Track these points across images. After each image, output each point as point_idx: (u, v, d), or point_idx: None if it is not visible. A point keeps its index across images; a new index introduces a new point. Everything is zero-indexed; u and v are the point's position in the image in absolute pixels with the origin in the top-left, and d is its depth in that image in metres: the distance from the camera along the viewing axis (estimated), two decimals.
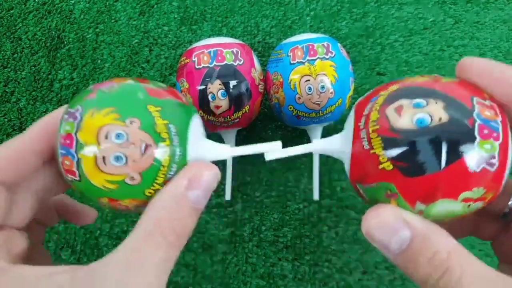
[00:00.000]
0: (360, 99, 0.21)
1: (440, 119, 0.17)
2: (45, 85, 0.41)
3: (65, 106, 0.21)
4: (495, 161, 0.17)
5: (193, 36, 0.42)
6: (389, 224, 0.17)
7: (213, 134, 0.38)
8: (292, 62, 0.32)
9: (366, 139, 0.19)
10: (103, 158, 0.18)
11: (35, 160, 0.21)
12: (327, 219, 0.35)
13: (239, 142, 0.38)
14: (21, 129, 0.40)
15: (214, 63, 0.32)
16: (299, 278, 0.33)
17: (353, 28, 0.41)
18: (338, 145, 0.22)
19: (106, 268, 0.17)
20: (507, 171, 0.18)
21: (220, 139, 0.37)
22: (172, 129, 0.19)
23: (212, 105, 0.32)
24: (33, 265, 0.19)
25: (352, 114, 0.21)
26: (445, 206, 0.17)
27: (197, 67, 0.32)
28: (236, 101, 0.32)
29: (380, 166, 0.18)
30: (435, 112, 0.17)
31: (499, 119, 0.18)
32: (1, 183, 0.20)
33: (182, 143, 0.20)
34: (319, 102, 0.32)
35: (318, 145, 0.23)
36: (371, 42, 0.40)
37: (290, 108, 0.33)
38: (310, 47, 0.32)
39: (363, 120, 0.19)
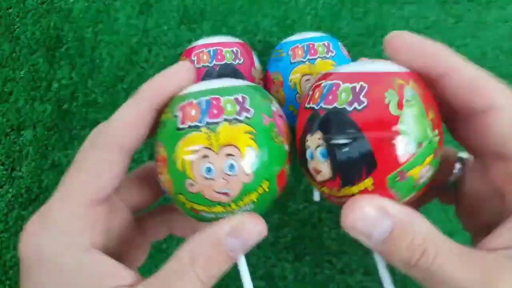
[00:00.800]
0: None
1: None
2: (43, 84, 0.41)
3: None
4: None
5: (193, 35, 0.41)
6: (371, 217, 0.18)
7: None
8: (292, 61, 0.32)
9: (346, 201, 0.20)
10: None
11: (146, 130, 0.21)
12: (327, 220, 0.35)
13: None
14: (19, 129, 0.39)
15: (214, 62, 0.32)
16: (299, 279, 0.33)
17: (354, 27, 0.40)
18: None
19: None
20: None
21: None
22: None
23: None
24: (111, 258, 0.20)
25: None
26: None
27: (196, 66, 0.32)
28: None
29: (370, 188, 0.19)
30: None
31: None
32: (121, 148, 0.20)
33: None
34: None
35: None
36: (372, 41, 0.40)
37: (291, 107, 0.33)
38: (311, 46, 0.32)
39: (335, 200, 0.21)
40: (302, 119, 0.21)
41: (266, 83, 0.35)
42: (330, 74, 0.21)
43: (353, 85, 0.19)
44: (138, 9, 0.43)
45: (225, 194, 0.20)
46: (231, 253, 0.20)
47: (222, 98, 0.20)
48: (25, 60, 0.42)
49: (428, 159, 0.19)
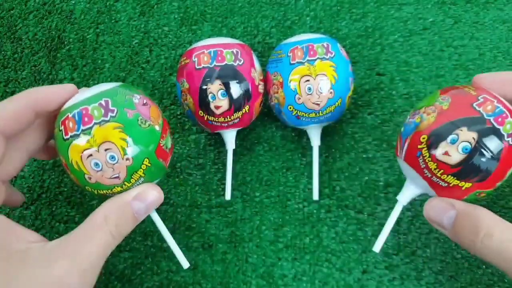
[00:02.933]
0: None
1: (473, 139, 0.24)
2: (45, 85, 0.41)
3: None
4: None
5: (193, 37, 0.42)
6: (439, 207, 0.25)
7: (214, 134, 0.38)
8: (292, 62, 0.32)
9: (441, 181, 0.25)
10: None
11: (30, 116, 0.26)
12: (326, 219, 0.35)
13: (239, 142, 0.38)
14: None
15: (214, 63, 0.32)
16: (298, 278, 0.34)
17: (352, 28, 0.41)
18: (420, 190, 0.28)
19: (63, 243, 0.24)
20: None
21: (220, 139, 0.38)
22: None
23: (212, 105, 0.32)
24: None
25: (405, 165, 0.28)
26: None
27: (197, 67, 0.32)
28: (236, 101, 0.33)
29: (463, 188, 0.25)
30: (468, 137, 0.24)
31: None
32: (2, 132, 0.25)
33: None
34: (318, 102, 0.32)
35: (404, 199, 0.29)
36: (371, 42, 0.40)
37: (290, 108, 0.33)
38: (310, 47, 0.32)
39: (425, 171, 0.26)
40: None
41: (265, 84, 0.35)
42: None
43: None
44: (139, 11, 0.43)
45: (117, 178, 0.26)
46: (136, 214, 0.26)
47: (89, 107, 0.25)
48: (27, 60, 0.43)
49: None
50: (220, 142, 0.38)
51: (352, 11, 0.41)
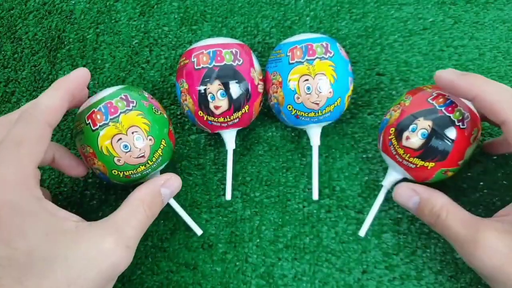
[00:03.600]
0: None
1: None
2: (45, 85, 0.41)
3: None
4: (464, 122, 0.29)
5: (193, 37, 0.42)
6: (405, 194, 0.30)
7: (213, 134, 0.38)
8: (291, 62, 0.32)
9: (410, 164, 0.30)
10: None
11: (67, 105, 0.29)
12: (326, 219, 0.35)
13: (239, 142, 0.38)
14: None
15: (214, 63, 0.32)
16: (298, 278, 0.34)
17: (352, 28, 0.41)
18: (399, 174, 0.32)
19: (108, 222, 0.27)
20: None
21: (220, 139, 0.38)
22: None
23: (211, 105, 0.32)
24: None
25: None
26: None
27: (196, 67, 0.32)
28: (235, 101, 0.33)
29: (429, 168, 0.30)
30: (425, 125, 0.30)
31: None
32: (50, 126, 0.27)
33: None
34: (318, 102, 0.32)
35: (387, 183, 0.33)
36: (371, 42, 0.40)
37: (289, 107, 0.33)
38: (309, 46, 0.32)
39: (397, 156, 0.31)
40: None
41: (265, 83, 0.35)
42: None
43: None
44: (139, 11, 0.43)
45: (142, 157, 0.30)
46: (163, 199, 0.31)
47: (113, 101, 0.30)
48: (27, 60, 0.43)
49: None
50: (220, 142, 0.38)
51: (352, 11, 0.41)
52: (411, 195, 0.30)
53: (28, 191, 0.25)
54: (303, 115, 0.33)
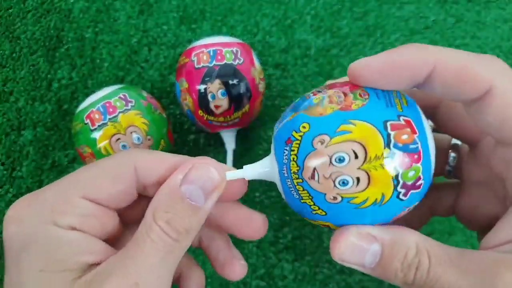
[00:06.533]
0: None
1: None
2: (43, 84, 0.41)
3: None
4: None
5: (193, 35, 0.41)
6: (358, 245, 0.18)
7: (213, 134, 0.38)
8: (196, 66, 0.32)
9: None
10: None
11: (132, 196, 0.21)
12: None
13: (239, 142, 0.37)
14: (19, 129, 0.39)
15: (214, 62, 0.32)
16: (299, 279, 0.33)
17: (354, 27, 0.40)
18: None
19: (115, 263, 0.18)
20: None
21: (220, 139, 0.37)
22: None
23: (211, 104, 0.32)
24: None
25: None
26: None
27: (196, 66, 0.32)
28: (236, 100, 0.32)
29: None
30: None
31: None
32: (113, 210, 0.20)
33: None
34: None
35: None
36: (372, 41, 0.40)
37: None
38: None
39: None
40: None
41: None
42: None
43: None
44: (138, 9, 0.43)
45: None
46: (192, 201, 0.19)
47: (111, 100, 0.30)
48: (25, 60, 0.42)
49: None
50: (219, 142, 0.37)
51: (353, 10, 0.41)
52: (365, 246, 0.18)
53: (52, 215, 0.19)
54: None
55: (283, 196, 0.20)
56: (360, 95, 0.18)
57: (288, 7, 0.42)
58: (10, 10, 0.45)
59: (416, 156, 0.17)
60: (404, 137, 0.17)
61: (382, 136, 0.17)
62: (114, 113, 0.30)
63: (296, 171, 0.18)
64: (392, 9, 0.41)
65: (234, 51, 0.33)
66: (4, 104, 0.41)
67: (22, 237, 0.18)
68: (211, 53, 0.32)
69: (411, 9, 0.40)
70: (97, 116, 0.30)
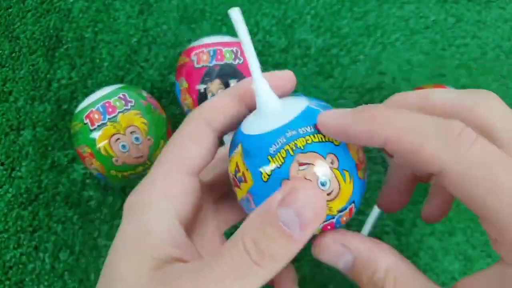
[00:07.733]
0: None
1: None
2: (43, 84, 0.41)
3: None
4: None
5: (193, 35, 0.41)
6: (334, 251, 0.19)
7: None
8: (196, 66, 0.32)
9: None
10: None
11: (229, 118, 0.23)
12: None
13: None
14: (19, 129, 0.39)
15: (214, 62, 0.32)
16: (299, 280, 0.33)
17: (354, 26, 0.40)
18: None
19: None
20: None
21: (219, 140, 0.37)
22: None
23: None
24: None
25: None
26: None
27: (196, 66, 0.32)
28: None
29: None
30: None
31: None
32: (208, 123, 0.22)
33: None
34: None
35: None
36: (372, 41, 0.40)
37: None
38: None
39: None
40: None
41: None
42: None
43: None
44: (138, 9, 0.43)
45: (140, 157, 0.30)
46: (287, 229, 0.16)
47: (111, 100, 0.30)
48: (24, 59, 0.42)
49: None
50: (219, 142, 0.37)
51: (353, 10, 0.41)
52: (340, 252, 0.19)
53: (165, 203, 0.19)
54: None
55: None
56: None
57: (288, 7, 0.42)
58: (10, 10, 0.45)
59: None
60: None
61: None
62: (113, 113, 0.30)
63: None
64: (392, 9, 0.41)
65: (234, 51, 0.33)
66: (4, 104, 0.41)
67: (131, 217, 0.19)
68: (211, 53, 0.32)
69: (411, 8, 0.40)
70: (96, 116, 0.30)
